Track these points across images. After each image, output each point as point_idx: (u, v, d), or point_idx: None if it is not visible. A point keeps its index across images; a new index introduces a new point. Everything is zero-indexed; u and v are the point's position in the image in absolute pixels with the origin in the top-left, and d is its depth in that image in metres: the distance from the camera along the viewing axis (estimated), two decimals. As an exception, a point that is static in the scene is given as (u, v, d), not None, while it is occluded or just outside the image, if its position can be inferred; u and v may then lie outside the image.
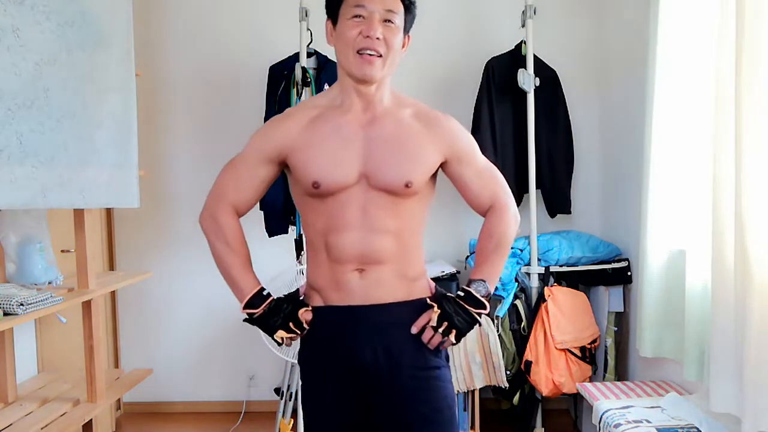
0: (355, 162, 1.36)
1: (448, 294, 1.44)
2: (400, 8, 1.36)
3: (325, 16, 1.44)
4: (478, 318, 1.41)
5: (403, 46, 1.40)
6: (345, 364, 1.40)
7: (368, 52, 1.33)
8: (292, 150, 1.39)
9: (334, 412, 1.41)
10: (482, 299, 1.41)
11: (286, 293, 1.47)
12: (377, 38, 1.33)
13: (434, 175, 1.44)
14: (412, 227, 1.42)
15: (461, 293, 1.42)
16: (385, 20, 1.34)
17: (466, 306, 1.40)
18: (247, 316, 1.44)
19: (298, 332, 1.42)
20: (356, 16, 1.34)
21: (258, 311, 1.42)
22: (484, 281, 1.43)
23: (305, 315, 1.41)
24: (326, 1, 1.42)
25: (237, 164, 1.46)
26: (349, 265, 1.37)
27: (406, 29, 1.40)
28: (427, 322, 1.39)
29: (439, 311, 1.39)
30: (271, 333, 1.42)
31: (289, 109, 1.49)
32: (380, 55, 1.34)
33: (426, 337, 1.40)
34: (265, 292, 1.44)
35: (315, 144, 1.37)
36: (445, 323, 1.38)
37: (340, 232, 1.37)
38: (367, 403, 1.41)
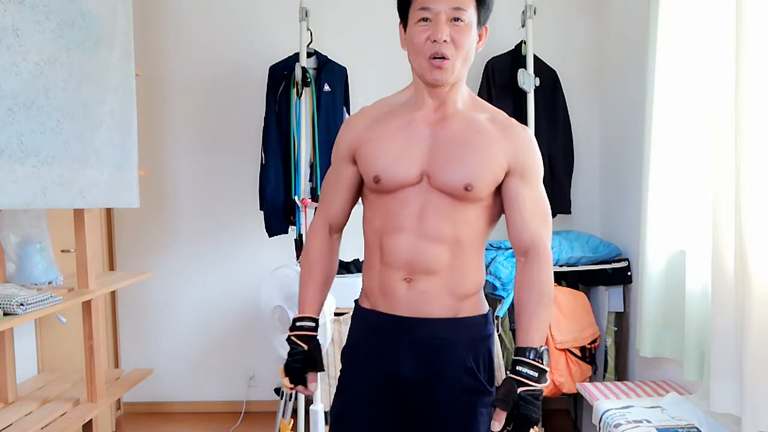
0: (419, 160, 1.32)
1: (519, 388, 1.21)
2: (470, 3, 1.28)
3: (396, 20, 1.38)
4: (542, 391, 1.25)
5: (480, 40, 1.34)
6: (384, 372, 1.37)
7: (437, 57, 1.27)
8: (360, 145, 1.38)
9: (364, 416, 1.39)
10: (547, 368, 1.25)
11: (308, 347, 1.40)
12: (444, 41, 1.26)
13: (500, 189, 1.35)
14: (470, 239, 1.34)
15: (533, 372, 1.22)
16: (453, 19, 1.27)
17: (540, 387, 1.23)
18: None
19: (298, 386, 1.40)
20: (423, 20, 1.28)
21: (289, 334, 1.42)
22: (545, 347, 1.27)
23: (311, 386, 1.40)
24: (397, 6, 1.36)
25: (329, 171, 1.48)
26: (398, 273, 1.34)
27: (482, 22, 1.32)
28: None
29: (512, 421, 1.20)
30: (284, 371, 1.41)
31: (364, 107, 1.47)
32: (449, 59, 1.28)
33: None
34: (298, 323, 1.42)
35: (380, 139, 1.35)
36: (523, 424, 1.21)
37: (393, 234, 1.33)
38: (398, 414, 1.37)
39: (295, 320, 1.43)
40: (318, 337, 1.43)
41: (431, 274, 1.33)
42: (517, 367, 1.24)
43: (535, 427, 1.22)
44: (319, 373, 1.43)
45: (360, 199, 1.48)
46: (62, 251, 2.55)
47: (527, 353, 1.25)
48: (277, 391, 2.96)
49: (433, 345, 1.35)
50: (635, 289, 2.84)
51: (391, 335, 1.37)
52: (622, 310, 2.97)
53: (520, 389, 1.21)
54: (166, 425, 3.35)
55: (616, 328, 2.97)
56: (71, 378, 2.66)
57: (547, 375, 1.25)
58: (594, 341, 2.85)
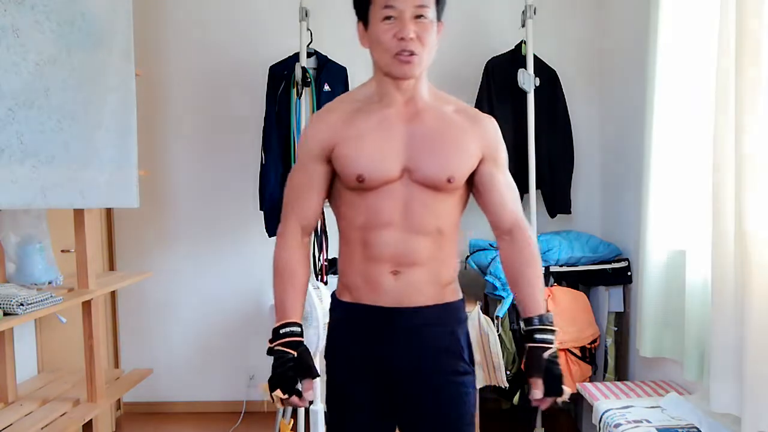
0: (399, 156, 1.35)
1: (544, 353, 1.35)
2: (431, 0, 1.32)
3: (355, 18, 1.40)
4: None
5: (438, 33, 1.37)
6: (374, 364, 1.39)
7: (405, 53, 1.30)
8: (337, 144, 1.37)
9: (360, 411, 1.41)
10: (556, 327, 1.41)
11: (297, 353, 1.33)
12: (411, 38, 1.29)
13: (470, 177, 1.41)
14: (450, 229, 1.40)
15: (549, 336, 1.37)
16: (417, 16, 1.30)
17: (555, 346, 1.38)
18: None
19: (292, 397, 1.32)
20: (387, 18, 1.30)
21: (270, 345, 1.35)
22: (548, 311, 1.42)
23: (308, 395, 1.32)
24: (355, 4, 1.38)
25: (294, 171, 1.45)
26: (384, 266, 1.36)
27: (439, 18, 1.36)
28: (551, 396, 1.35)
29: (545, 383, 1.34)
30: (270, 384, 1.32)
31: (329, 103, 1.46)
32: (416, 54, 1.31)
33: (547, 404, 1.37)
34: (282, 330, 1.34)
35: (359, 137, 1.36)
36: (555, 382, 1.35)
37: (379, 230, 1.35)
38: (392, 404, 1.41)
39: (278, 328, 1.34)
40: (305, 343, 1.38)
41: (417, 265, 1.36)
42: (535, 335, 1.37)
43: (564, 384, 1.35)
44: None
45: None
46: (62, 251, 2.55)
47: (536, 321, 1.38)
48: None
49: (421, 332, 1.39)
50: (635, 289, 2.84)
51: (379, 326, 1.38)
52: (622, 310, 2.97)
53: (545, 354, 1.35)
54: (166, 425, 3.35)
55: (616, 328, 2.97)
56: (71, 378, 2.66)
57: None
58: (594, 341, 2.85)
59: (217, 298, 3.45)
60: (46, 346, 2.80)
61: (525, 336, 1.39)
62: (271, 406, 3.26)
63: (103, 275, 2.81)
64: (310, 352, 1.36)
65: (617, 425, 2.13)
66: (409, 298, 1.37)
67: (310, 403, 1.40)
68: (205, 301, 3.45)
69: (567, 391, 1.34)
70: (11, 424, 2.12)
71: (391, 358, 1.38)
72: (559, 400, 1.35)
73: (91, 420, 2.36)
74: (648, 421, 2.13)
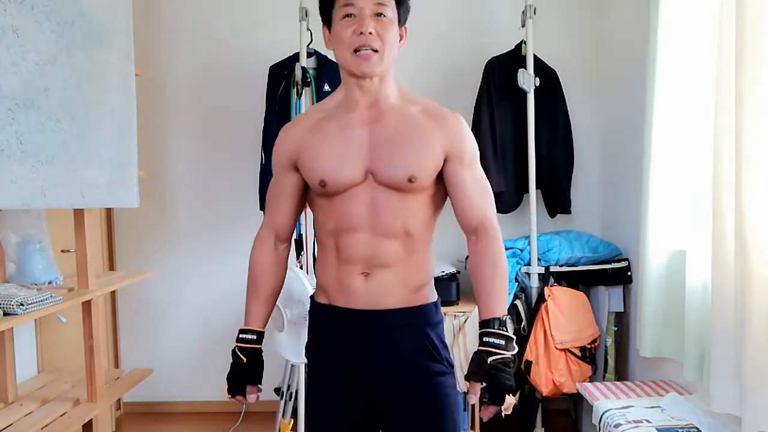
0: (361, 159, 1.35)
1: (490, 358, 1.26)
2: (391, 0, 1.35)
3: (321, 22, 1.43)
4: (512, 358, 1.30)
5: (400, 39, 1.39)
6: (348, 366, 1.40)
7: (364, 49, 1.32)
8: (301, 152, 1.40)
9: (336, 412, 1.42)
10: (512, 335, 1.31)
11: (247, 360, 1.46)
12: (370, 33, 1.31)
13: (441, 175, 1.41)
14: (418, 231, 1.39)
15: (500, 341, 1.28)
16: (377, 14, 1.32)
17: (509, 354, 1.28)
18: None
19: (237, 396, 1.46)
20: (347, 16, 1.33)
21: (234, 345, 1.47)
22: (507, 315, 1.35)
23: (250, 398, 1.46)
24: (319, 8, 1.41)
25: (271, 182, 1.50)
26: (355, 267, 1.37)
27: (401, 22, 1.38)
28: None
29: (487, 391, 1.28)
30: (228, 378, 1.47)
31: (299, 114, 1.50)
32: (376, 50, 1.32)
33: (489, 414, 1.31)
34: (241, 336, 1.47)
35: (321, 143, 1.38)
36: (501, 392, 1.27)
37: (349, 233, 1.37)
38: (368, 405, 1.42)
39: (239, 332, 1.48)
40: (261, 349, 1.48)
41: (388, 267, 1.37)
42: (485, 339, 1.30)
43: (509, 395, 1.27)
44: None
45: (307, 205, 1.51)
46: (62, 251, 2.55)
47: (492, 324, 1.31)
48: (277, 391, 2.96)
49: (391, 335, 1.39)
50: (635, 289, 2.84)
51: (352, 329, 1.40)
52: (622, 310, 2.97)
53: (490, 359, 1.27)
54: (166, 425, 3.36)
55: (616, 328, 2.97)
56: (71, 378, 2.66)
57: (514, 342, 1.30)
58: (594, 341, 2.85)
59: (217, 297, 3.44)
60: (46, 346, 2.80)
61: (479, 338, 1.32)
62: (270, 406, 3.27)
63: (103, 275, 2.81)
64: (260, 360, 1.48)
65: (617, 425, 2.14)
66: (379, 301, 1.37)
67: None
68: (205, 301, 3.45)
69: (509, 401, 1.27)
70: (11, 424, 2.12)
71: (364, 360, 1.39)
72: (502, 409, 1.28)
73: (91, 420, 2.37)
74: (648, 421, 2.13)
